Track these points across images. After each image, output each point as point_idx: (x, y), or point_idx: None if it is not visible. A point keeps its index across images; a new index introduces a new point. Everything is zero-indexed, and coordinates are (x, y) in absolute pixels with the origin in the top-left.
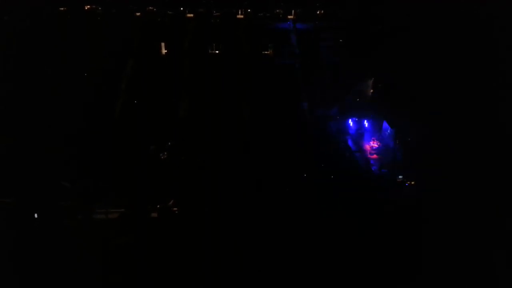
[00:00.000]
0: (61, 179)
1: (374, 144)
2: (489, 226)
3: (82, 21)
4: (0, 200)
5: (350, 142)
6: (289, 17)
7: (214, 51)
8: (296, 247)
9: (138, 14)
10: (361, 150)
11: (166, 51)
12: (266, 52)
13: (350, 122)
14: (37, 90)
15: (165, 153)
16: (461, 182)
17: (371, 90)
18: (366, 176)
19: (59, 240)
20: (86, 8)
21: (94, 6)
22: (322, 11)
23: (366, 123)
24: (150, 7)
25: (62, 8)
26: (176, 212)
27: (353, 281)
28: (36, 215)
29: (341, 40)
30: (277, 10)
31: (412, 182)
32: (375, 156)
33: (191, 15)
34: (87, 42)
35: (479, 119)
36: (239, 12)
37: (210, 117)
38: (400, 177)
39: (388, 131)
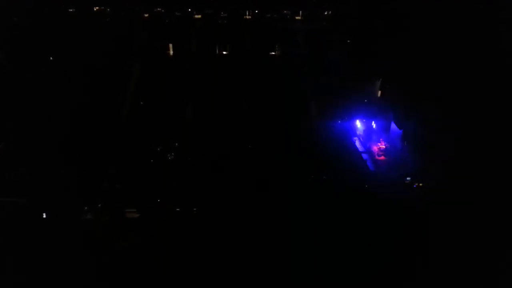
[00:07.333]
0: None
1: (382, 145)
2: (499, 229)
3: (91, 22)
4: (6, 200)
5: (357, 143)
6: (297, 18)
7: (221, 52)
8: (302, 248)
9: (146, 15)
10: (369, 151)
11: (173, 52)
12: (273, 53)
13: (358, 123)
14: (45, 91)
15: (173, 154)
16: (470, 184)
17: (379, 91)
18: (373, 178)
19: (66, 240)
20: (95, 9)
21: (103, 8)
22: (330, 12)
23: (373, 124)
24: (158, 9)
25: (71, 10)
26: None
27: (356, 282)
28: (44, 215)
29: (348, 41)
30: (285, 11)
31: (420, 184)
32: (382, 157)
33: (199, 16)
34: (95, 42)
35: (489, 120)
36: (247, 13)
37: (217, 118)
38: (408, 178)
39: (396, 132)
